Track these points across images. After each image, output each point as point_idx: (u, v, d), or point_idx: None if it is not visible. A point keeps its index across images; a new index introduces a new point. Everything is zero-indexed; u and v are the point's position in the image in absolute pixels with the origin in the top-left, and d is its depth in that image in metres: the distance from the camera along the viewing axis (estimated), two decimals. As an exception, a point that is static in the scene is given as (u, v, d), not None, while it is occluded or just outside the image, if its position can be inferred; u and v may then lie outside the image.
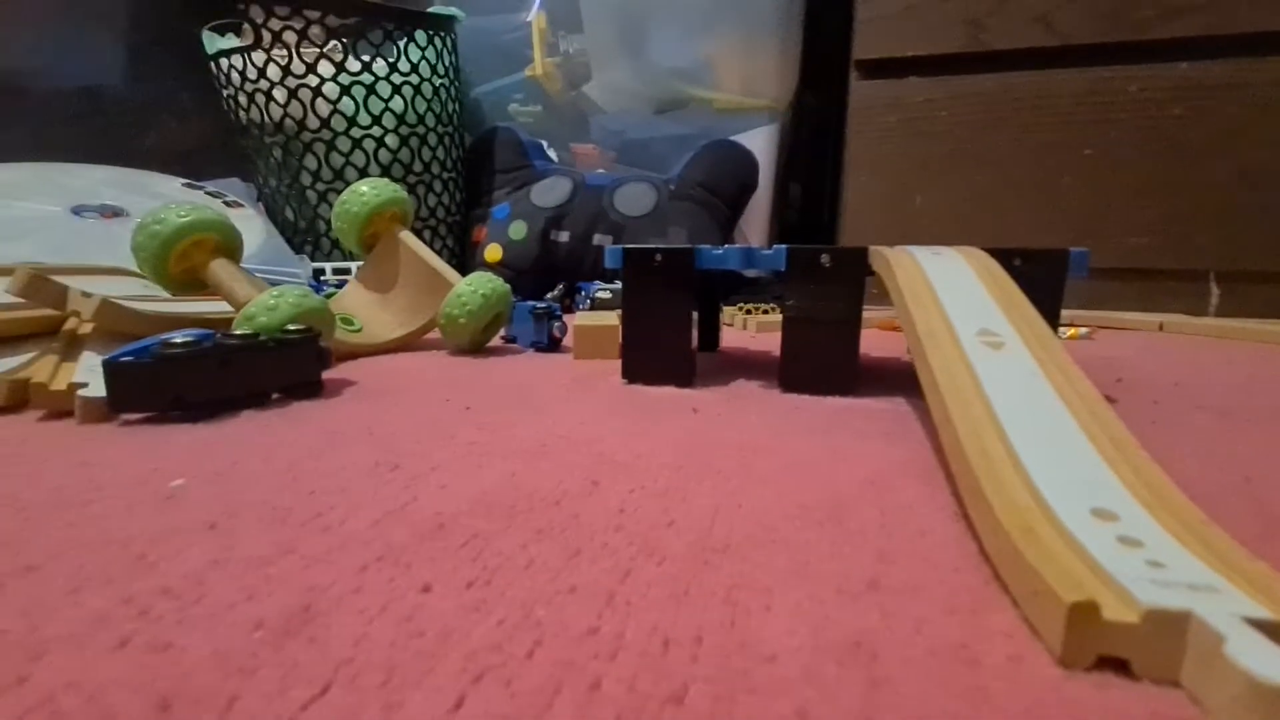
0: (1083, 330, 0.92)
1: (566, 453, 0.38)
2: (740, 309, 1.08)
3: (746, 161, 1.25)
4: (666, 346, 0.54)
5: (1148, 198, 1.10)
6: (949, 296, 0.40)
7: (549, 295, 1.21)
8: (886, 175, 1.20)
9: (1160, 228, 1.11)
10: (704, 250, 0.53)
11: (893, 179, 1.19)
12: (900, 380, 0.58)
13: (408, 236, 0.80)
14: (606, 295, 1.05)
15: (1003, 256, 0.46)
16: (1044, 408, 0.30)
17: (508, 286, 0.76)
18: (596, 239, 1.23)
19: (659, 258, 0.53)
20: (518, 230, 1.24)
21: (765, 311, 1.06)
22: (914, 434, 0.41)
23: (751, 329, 0.98)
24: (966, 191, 1.17)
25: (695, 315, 0.55)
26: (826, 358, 0.50)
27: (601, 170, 1.39)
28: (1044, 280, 0.48)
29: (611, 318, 0.75)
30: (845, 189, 1.23)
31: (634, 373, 0.55)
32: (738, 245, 0.51)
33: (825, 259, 0.49)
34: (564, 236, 1.23)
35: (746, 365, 0.66)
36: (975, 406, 0.31)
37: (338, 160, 1.15)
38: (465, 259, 1.34)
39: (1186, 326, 0.96)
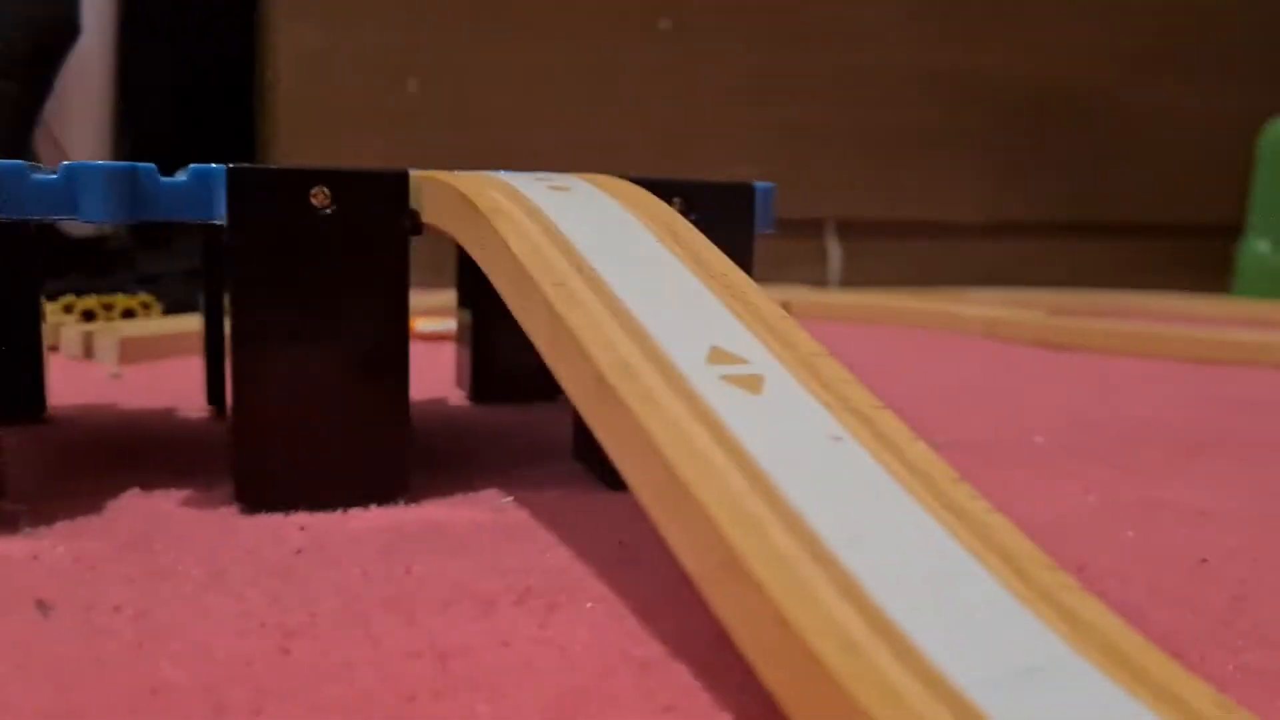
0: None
1: None
2: (66, 310, 0.57)
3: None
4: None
5: (759, 105, 0.85)
6: (630, 283, 0.22)
7: None
8: (353, 32, 0.71)
9: (771, 152, 0.86)
10: (10, 171, 0.23)
11: (366, 41, 0.71)
12: (482, 447, 0.33)
13: None
14: None
15: (652, 193, 0.27)
16: (882, 510, 0.16)
17: None
18: None
19: None
20: None
21: (127, 313, 0.59)
22: (572, 572, 0.21)
23: (107, 358, 0.51)
24: (509, 72, 0.78)
25: None
26: (336, 425, 0.26)
27: None
28: (726, 237, 0.30)
29: None
30: (271, 60, 0.72)
31: None
32: (75, 163, 0.25)
33: (322, 196, 0.25)
34: None
35: (126, 446, 0.33)
36: (768, 527, 0.14)
37: None
38: None
39: (817, 307, 0.74)
